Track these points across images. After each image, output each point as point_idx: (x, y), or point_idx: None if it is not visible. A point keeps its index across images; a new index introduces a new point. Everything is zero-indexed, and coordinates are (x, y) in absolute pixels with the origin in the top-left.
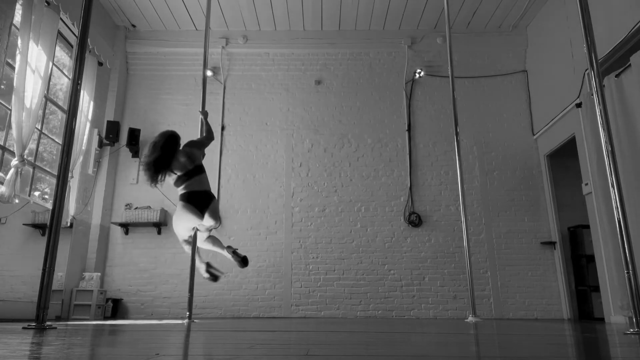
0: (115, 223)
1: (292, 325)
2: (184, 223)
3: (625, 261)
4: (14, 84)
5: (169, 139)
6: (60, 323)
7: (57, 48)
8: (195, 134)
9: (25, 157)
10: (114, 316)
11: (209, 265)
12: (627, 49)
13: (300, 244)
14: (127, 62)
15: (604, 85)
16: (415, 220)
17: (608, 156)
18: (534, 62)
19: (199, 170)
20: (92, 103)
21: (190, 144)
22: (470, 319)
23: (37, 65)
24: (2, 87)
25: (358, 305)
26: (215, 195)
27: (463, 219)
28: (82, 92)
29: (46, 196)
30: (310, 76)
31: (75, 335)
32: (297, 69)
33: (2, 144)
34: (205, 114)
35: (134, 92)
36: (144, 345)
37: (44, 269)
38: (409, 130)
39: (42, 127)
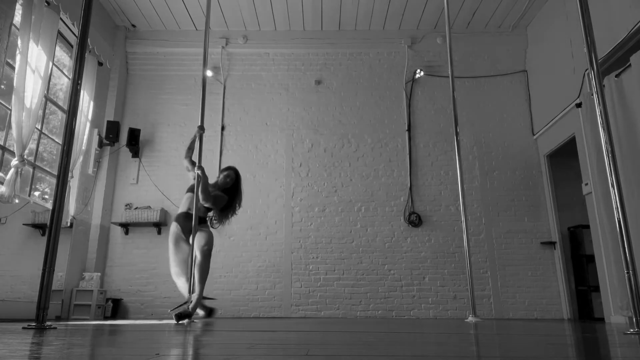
0: (115, 223)
1: (292, 325)
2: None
3: (625, 261)
4: (14, 84)
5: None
6: (60, 323)
7: (57, 48)
8: (193, 133)
9: (25, 157)
10: (114, 316)
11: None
12: (627, 49)
13: (300, 244)
14: (127, 62)
15: (604, 85)
16: (415, 220)
17: (608, 156)
18: (534, 62)
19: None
20: (92, 103)
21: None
22: (470, 319)
23: (37, 65)
24: (2, 87)
25: (358, 305)
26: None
27: (463, 219)
28: (82, 92)
29: (46, 196)
30: (310, 76)
31: (75, 335)
32: (297, 69)
33: (2, 144)
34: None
35: (134, 92)
36: (144, 345)
37: (44, 269)
38: (409, 130)
39: (42, 127)
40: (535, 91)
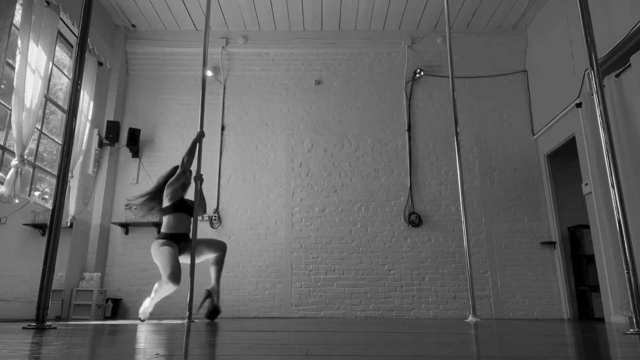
0: (115, 223)
1: (292, 325)
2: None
3: (625, 261)
4: (14, 84)
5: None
6: (60, 323)
7: (57, 48)
8: (194, 135)
9: (25, 157)
10: (114, 316)
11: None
12: (627, 49)
13: (300, 244)
14: (127, 62)
15: (604, 85)
16: (415, 220)
17: (608, 156)
18: (534, 62)
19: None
20: (92, 103)
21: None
22: (470, 319)
23: (37, 65)
24: (2, 87)
25: (358, 305)
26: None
27: (463, 219)
28: (82, 92)
29: (46, 196)
30: (310, 76)
31: (75, 335)
32: (297, 69)
33: (2, 144)
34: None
35: (134, 92)
36: (144, 345)
37: (44, 269)
38: (409, 130)
39: (42, 127)
40: (535, 91)
